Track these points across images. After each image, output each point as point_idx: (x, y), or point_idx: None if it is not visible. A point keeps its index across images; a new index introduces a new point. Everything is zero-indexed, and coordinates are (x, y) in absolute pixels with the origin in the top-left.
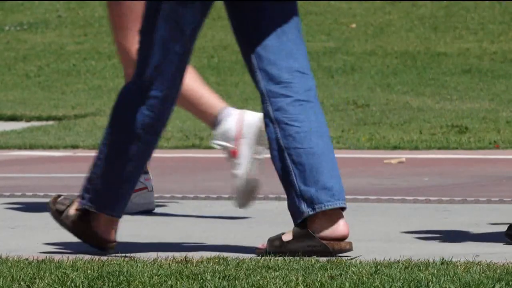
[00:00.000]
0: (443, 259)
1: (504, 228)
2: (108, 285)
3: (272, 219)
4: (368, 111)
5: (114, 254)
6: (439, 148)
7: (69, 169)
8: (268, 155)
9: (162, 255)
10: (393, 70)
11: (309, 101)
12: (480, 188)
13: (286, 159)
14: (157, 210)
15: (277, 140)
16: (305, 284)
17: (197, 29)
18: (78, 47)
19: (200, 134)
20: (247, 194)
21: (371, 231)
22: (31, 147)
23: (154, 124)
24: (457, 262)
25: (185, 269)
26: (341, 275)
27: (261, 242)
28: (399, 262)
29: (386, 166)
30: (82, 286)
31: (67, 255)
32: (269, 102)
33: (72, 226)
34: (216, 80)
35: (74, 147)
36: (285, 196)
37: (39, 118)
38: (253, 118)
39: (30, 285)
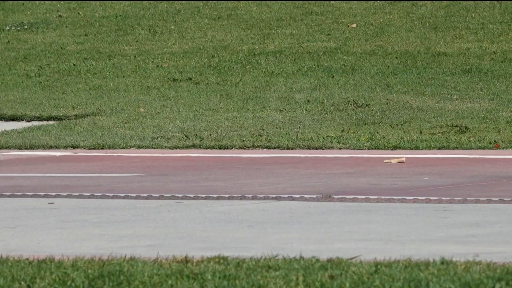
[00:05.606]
0: (443, 259)
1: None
2: (109, 284)
3: (273, 218)
4: (368, 111)
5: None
6: (439, 148)
7: (69, 168)
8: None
9: (162, 255)
10: (393, 70)
11: None
12: (480, 188)
13: None
14: (157, 210)
15: None
16: (305, 283)
17: None
18: (79, 47)
19: (200, 134)
20: None
21: (371, 231)
22: (32, 146)
23: None
24: (457, 262)
25: (185, 269)
26: (341, 275)
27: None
28: (399, 261)
29: (386, 166)
30: (83, 285)
31: (67, 254)
32: None
33: None
34: (216, 80)
35: (75, 146)
36: (285, 196)
37: (39, 118)
38: None
39: (31, 285)
